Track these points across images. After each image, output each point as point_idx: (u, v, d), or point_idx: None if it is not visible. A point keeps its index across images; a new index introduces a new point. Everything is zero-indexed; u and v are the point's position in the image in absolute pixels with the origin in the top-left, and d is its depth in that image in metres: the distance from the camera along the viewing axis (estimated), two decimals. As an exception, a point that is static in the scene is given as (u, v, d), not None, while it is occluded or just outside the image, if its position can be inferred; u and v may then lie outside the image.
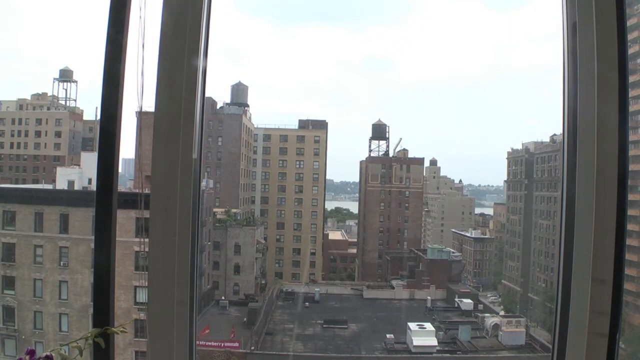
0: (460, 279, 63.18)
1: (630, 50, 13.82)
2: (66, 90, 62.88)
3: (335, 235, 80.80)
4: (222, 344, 40.81)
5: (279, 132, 72.14)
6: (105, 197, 2.81)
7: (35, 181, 50.13)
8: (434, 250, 63.90)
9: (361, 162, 75.90)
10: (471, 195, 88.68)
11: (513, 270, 65.47)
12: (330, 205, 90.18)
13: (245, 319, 47.62)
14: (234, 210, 60.02)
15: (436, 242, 73.99)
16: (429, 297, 55.68)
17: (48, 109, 59.49)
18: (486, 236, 73.17)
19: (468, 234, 74.28)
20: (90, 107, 62.98)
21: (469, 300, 54.29)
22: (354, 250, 75.66)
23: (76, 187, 42.67)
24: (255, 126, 71.53)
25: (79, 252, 35.30)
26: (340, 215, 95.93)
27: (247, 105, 71.34)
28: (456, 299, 54.97)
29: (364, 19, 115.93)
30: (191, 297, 2.71)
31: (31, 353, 2.28)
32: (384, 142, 74.56)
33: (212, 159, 63.00)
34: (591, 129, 2.63)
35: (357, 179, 79.88)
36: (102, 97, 2.82)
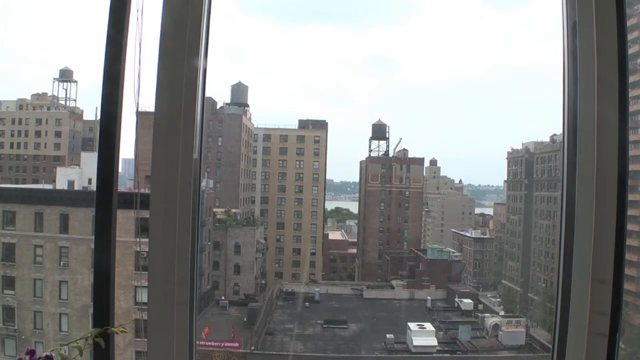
0: (460, 279, 63.18)
1: (630, 50, 13.81)
2: (66, 90, 62.97)
3: (335, 235, 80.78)
4: (222, 344, 40.83)
5: (279, 132, 72.12)
6: (105, 197, 2.81)
7: (35, 181, 50.08)
8: (434, 250, 63.89)
9: (361, 162, 76.02)
10: (471, 195, 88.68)
11: (513, 270, 65.48)
12: (330, 205, 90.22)
13: (245, 319, 47.61)
14: (234, 210, 60.01)
15: (436, 242, 73.96)
16: (429, 297, 55.67)
17: (48, 109, 59.49)
18: (486, 236, 73.17)
19: (468, 234, 74.28)
20: (90, 107, 63.02)
21: (469, 300, 54.29)
22: (354, 250, 75.64)
23: (76, 187, 42.61)
24: (255, 126, 71.60)
25: (79, 252, 35.29)
26: (340, 215, 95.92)
27: (247, 105, 71.43)
28: (456, 299, 54.96)
29: (364, 19, 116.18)
30: (191, 297, 2.71)
31: (31, 353, 2.28)
32: (384, 142, 74.65)
33: (212, 159, 62.99)
34: (591, 129, 2.62)
35: (357, 179, 80.00)
36: (102, 97, 2.82)
